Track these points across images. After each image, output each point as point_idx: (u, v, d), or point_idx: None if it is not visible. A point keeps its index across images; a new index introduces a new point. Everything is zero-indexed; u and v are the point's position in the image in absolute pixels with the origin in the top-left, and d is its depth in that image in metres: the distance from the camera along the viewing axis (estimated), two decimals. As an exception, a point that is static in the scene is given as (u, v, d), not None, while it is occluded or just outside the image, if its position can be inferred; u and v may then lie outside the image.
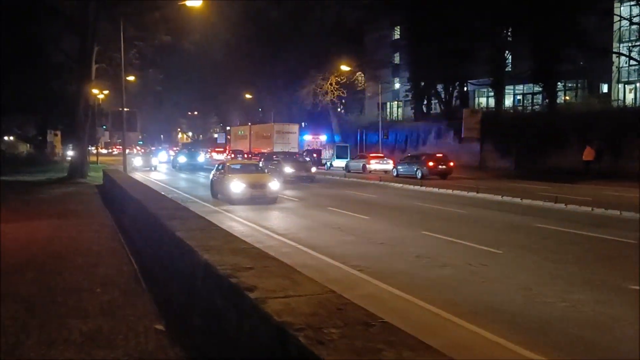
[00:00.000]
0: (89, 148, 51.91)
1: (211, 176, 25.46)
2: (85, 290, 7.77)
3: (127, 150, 36.56)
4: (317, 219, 17.66)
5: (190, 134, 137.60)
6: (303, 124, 78.93)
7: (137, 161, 49.69)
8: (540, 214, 19.61)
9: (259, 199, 21.98)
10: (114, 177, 21.72)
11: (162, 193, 16.87)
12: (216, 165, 26.04)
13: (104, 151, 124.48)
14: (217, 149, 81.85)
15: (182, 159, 52.10)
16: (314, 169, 36.38)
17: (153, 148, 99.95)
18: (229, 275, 4.71)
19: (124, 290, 7.72)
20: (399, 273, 10.57)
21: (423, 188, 30.19)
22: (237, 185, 21.84)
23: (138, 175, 36.85)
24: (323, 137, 63.76)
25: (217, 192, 24.11)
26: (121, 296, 7.43)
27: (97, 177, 33.41)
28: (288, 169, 34.84)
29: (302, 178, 34.40)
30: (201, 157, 52.90)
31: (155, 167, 48.56)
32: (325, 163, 53.96)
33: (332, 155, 54.54)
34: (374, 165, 44.73)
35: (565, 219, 18.17)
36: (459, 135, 49.44)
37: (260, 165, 28.45)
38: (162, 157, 63.54)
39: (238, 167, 24.84)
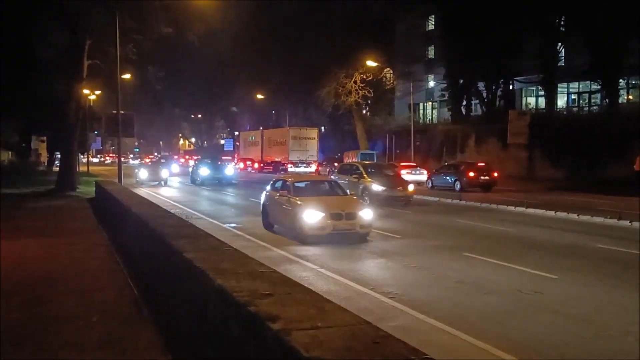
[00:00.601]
0: (79, 156, 52.19)
1: (263, 198, 20.96)
2: (81, 318, 7.85)
3: (123, 159, 37.71)
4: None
5: (193, 140, 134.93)
6: (322, 128, 78.73)
7: (143, 174, 46.00)
8: (601, 233, 19.44)
9: (345, 235, 17.25)
10: (108, 190, 21.74)
11: (180, 215, 16.76)
12: (271, 182, 21.26)
13: (95, 159, 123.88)
14: (224, 157, 79.62)
15: (204, 172, 46.40)
16: (411, 187, 29.84)
17: (160, 157, 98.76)
18: (247, 303, 4.74)
19: (124, 319, 7.79)
20: (438, 301, 10.54)
21: (463, 202, 30.08)
22: (312, 215, 17.09)
23: (144, 191, 35.83)
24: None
25: (273, 221, 19.80)
26: (121, 326, 7.49)
27: (89, 189, 33.58)
28: (377, 187, 28.94)
29: (395, 199, 28.72)
30: (230, 170, 48.15)
31: (166, 181, 45.98)
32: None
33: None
34: (405, 176, 44.27)
35: (630, 239, 18.00)
36: (504, 141, 49.21)
37: (333, 179, 24.25)
38: (174, 169, 61.86)
39: (304, 185, 20.19)
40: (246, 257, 7.02)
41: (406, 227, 20.79)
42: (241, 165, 71.69)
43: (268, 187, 20.93)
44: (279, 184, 20.20)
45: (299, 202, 17.75)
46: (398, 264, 14.15)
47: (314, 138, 65.50)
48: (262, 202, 20.90)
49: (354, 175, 30.15)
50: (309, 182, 20.75)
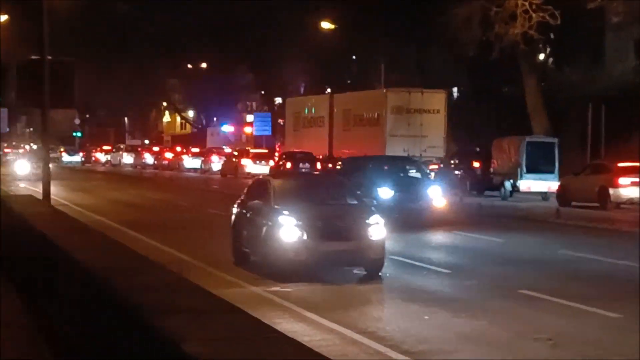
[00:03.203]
0: None
1: (233, 213, 15.08)
2: None
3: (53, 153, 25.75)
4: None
5: (190, 114, 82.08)
6: (455, 89, 47.32)
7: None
8: None
9: (342, 264, 13.33)
10: (22, 215, 12.53)
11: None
12: (247, 187, 16.03)
13: None
14: (256, 153, 50.93)
15: (385, 193, 21.41)
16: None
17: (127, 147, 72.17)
18: None
19: None
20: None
21: None
22: (288, 232, 12.69)
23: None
24: None
25: (246, 246, 14.18)
26: None
27: None
28: None
29: None
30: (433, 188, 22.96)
31: None
32: (503, 183, 31.72)
33: (520, 164, 31.20)
34: (630, 191, 26.32)
35: None
36: None
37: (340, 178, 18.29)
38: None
39: (293, 185, 15.41)
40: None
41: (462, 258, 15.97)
42: (288, 165, 41.21)
43: (242, 196, 15.26)
44: (257, 189, 14.99)
45: (272, 213, 13.05)
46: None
47: (439, 111, 36.81)
48: (232, 219, 14.99)
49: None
50: (301, 181, 16.37)
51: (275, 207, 13.20)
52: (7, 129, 51.97)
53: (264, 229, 13.04)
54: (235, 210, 14.96)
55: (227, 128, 74.06)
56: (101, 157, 78.76)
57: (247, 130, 68.13)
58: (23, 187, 32.67)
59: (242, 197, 15.08)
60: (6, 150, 60.79)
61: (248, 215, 14.15)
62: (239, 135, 72.46)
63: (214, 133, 77.39)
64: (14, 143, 75.95)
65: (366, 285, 12.84)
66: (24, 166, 40.01)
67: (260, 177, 20.09)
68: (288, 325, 9.56)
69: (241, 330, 4.33)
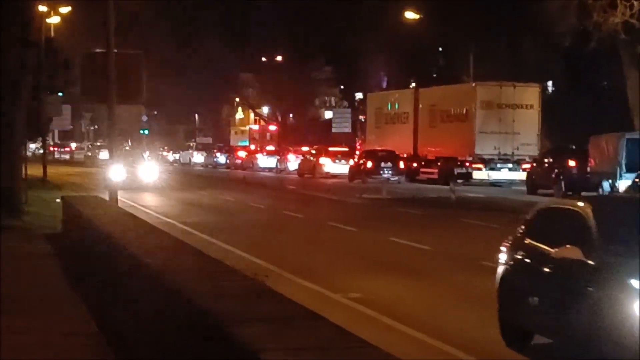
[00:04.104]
0: (33, 146, 32.79)
1: (501, 262, 9.40)
2: None
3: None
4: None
5: (265, 110, 77.25)
6: (550, 83, 46.55)
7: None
8: None
9: None
10: (89, 217, 12.69)
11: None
12: (526, 219, 9.62)
13: (57, 152, 76.99)
14: (336, 151, 48.13)
15: None
16: None
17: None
18: None
19: None
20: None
21: None
22: None
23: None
24: None
25: (534, 321, 8.78)
26: None
27: (48, 214, 20.82)
28: None
29: None
30: None
31: None
32: (601, 183, 29.33)
33: (619, 162, 28.98)
34: None
35: None
36: None
37: None
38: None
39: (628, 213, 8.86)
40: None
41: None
42: (369, 165, 40.21)
43: (518, 233, 9.46)
44: (548, 221, 9.21)
45: (605, 271, 7.66)
46: None
47: (532, 106, 35.93)
48: (499, 272, 9.36)
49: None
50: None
51: (609, 260, 7.74)
52: (71, 126, 51.23)
53: (587, 298, 7.73)
54: (504, 256, 9.35)
55: (253, 126, 77.09)
56: (169, 156, 76.85)
57: (271, 128, 70.35)
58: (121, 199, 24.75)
59: (517, 234, 9.47)
60: (100, 149, 59.18)
61: (541, 268, 8.65)
62: (263, 133, 73.73)
63: (237, 131, 79.85)
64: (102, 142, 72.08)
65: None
66: (120, 170, 34.90)
67: (557, 202, 12.05)
68: (372, 335, 7.75)
69: (323, 339, 4.39)
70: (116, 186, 22.67)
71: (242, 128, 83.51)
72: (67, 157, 78.46)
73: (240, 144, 76.46)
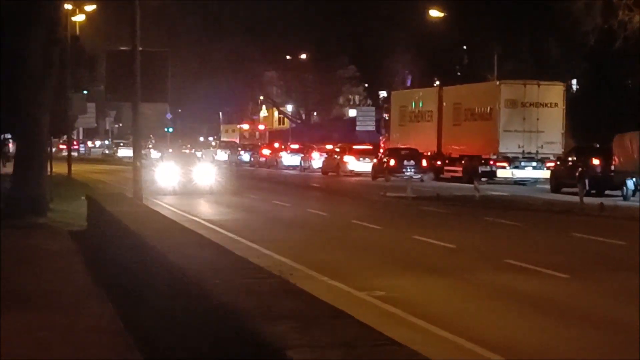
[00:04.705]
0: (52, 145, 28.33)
1: None
2: None
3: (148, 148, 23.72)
4: None
5: (289, 109, 76.53)
6: (574, 82, 46.05)
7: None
8: None
9: None
10: (114, 214, 12.65)
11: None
12: None
13: (84, 150, 77.15)
14: (360, 149, 47.60)
15: None
16: None
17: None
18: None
19: None
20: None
21: None
22: None
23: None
24: None
25: None
26: None
27: (73, 211, 20.45)
28: None
29: None
30: None
31: None
32: (625, 182, 29.02)
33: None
34: None
35: None
36: None
37: None
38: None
39: None
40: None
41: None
42: (392, 163, 40.02)
43: None
44: None
45: None
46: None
47: (557, 104, 35.78)
48: None
49: None
50: None
51: None
52: (95, 124, 51.03)
53: None
54: None
55: (244, 126, 79.56)
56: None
57: (261, 127, 75.80)
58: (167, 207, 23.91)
59: None
60: (151, 149, 57.35)
61: None
62: (253, 132, 75.34)
63: (228, 130, 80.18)
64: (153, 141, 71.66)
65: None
66: (170, 173, 30.29)
67: None
68: (397, 333, 7.60)
69: (349, 336, 4.35)
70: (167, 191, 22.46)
71: (232, 127, 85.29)
72: (75, 154, 78.54)
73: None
